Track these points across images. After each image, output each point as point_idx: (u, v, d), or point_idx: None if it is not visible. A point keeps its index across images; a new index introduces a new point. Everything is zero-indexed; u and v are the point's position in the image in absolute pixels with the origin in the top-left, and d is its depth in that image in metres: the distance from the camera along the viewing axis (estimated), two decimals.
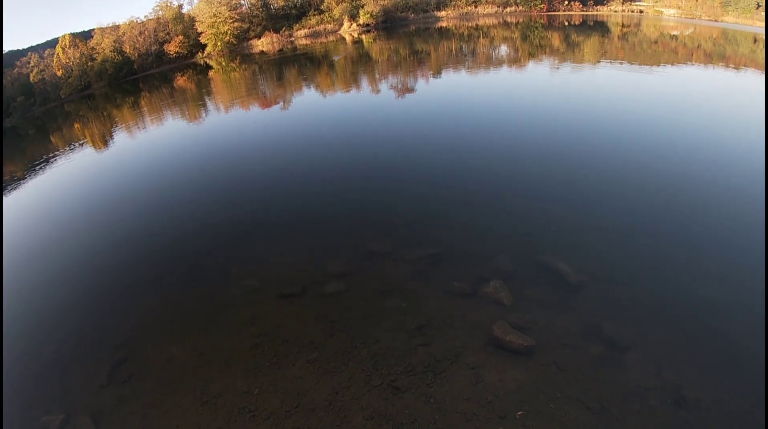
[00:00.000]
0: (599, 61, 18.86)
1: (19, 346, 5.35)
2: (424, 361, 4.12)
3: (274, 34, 42.44)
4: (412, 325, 4.58)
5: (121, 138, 17.05)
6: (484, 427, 3.46)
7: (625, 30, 31.36)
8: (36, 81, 37.42)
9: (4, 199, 11.99)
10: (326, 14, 43.08)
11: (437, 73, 18.91)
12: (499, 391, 3.74)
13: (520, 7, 43.03)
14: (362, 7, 41.24)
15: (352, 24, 41.51)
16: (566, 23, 35.90)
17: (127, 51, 39.27)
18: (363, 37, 37.28)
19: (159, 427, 3.93)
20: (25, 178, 13.90)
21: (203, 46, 41.27)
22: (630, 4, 41.99)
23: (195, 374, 4.42)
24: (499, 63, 20.05)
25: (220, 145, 12.78)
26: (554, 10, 42.56)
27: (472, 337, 4.36)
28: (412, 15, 43.53)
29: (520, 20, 38.75)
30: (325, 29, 43.04)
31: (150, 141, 15.55)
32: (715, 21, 34.42)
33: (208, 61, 39.55)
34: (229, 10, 39.67)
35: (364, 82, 19.09)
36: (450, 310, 4.76)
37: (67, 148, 17.12)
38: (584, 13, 42.11)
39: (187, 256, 6.72)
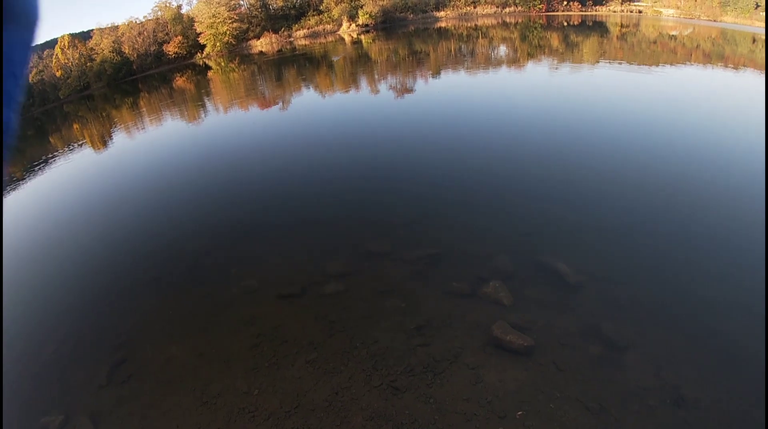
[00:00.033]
0: (598, 62, 18.89)
1: (18, 347, 5.34)
2: (423, 362, 4.12)
3: (273, 35, 42.44)
4: (412, 326, 4.58)
5: (120, 139, 17.05)
6: (484, 427, 3.46)
7: (623, 30, 31.40)
8: (35, 82, 37.35)
9: (4, 200, 11.98)
10: (325, 15, 43.10)
11: (436, 73, 18.93)
12: (499, 391, 3.74)
13: (519, 8, 43.09)
14: (361, 7, 41.26)
15: (351, 24, 41.53)
16: (565, 23, 35.94)
17: (126, 51, 39.23)
18: (362, 37, 37.29)
19: (158, 427, 3.92)
20: (24, 179, 13.88)
21: (202, 47, 41.25)
22: (629, 5, 42.07)
23: (194, 375, 4.42)
24: (498, 63, 20.07)
25: (219, 146, 12.78)
26: (553, 11, 42.62)
27: (471, 337, 4.36)
28: (411, 15, 43.56)
29: (519, 20, 38.79)
30: (324, 30, 43.05)
31: (149, 142, 15.55)
32: (714, 21, 34.51)
33: (207, 61, 39.53)
34: (228, 11, 39.66)
35: (363, 83, 19.10)
36: (449, 311, 4.76)
37: (66, 149, 17.11)
38: (583, 13, 42.17)
39: (186, 256, 6.72)
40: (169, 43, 40.48)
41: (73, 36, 38.59)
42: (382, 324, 4.67)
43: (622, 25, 33.97)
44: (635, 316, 4.46)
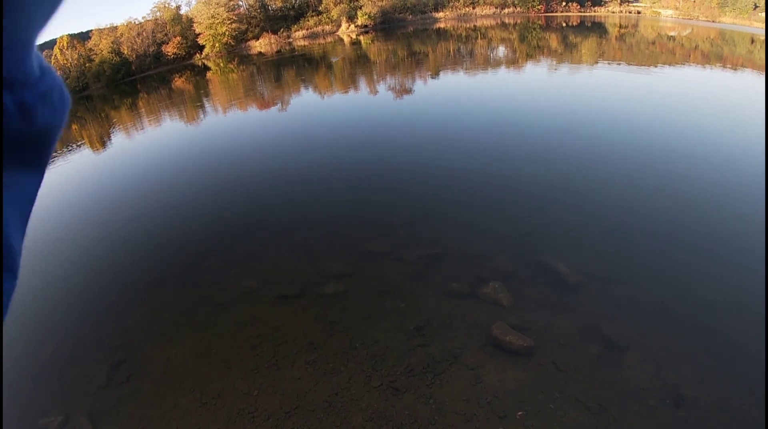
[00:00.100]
0: (597, 62, 18.92)
1: (17, 348, 5.33)
2: (423, 362, 4.12)
3: (272, 36, 42.47)
4: (411, 326, 4.58)
5: (119, 139, 17.03)
6: (483, 428, 3.46)
7: (622, 31, 31.47)
8: None
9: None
10: (324, 15, 43.14)
11: (435, 74, 18.94)
12: (499, 392, 3.74)
13: (518, 8, 43.19)
14: (360, 8, 41.32)
15: (350, 25, 41.58)
16: (564, 24, 36.01)
17: (125, 52, 39.19)
18: (361, 38, 37.32)
19: (158, 428, 3.92)
20: None
21: (201, 48, 41.25)
22: (627, 5, 42.19)
23: (194, 375, 4.41)
24: (497, 64, 20.09)
25: (218, 146, 12.77)
26: (552, 11, 42.72)
27: (471, 337, 4.36)
28: (410, 16, 43.63)
29: (518, 21, 38.86)
30: (323, 30, 43.08)
31: (148, 142, 15.53)
32: (713, 22, 34.61)
33: (206, 62, 39.51)
34: (227, 11, 39.68)
35: (363, 83, 19.11)
36: (449, 311, 4.76)
37: (65, 150, 17.07)
38: (582, 14, 42.28)
39: (186, 257, 6.71)
40: (168, 43, 40.45)
41: (71, 37, 38.54)
42: (382, 324, 4.67)
43: (620, 26, 34.05)
44: (635, 316, 4.47)
